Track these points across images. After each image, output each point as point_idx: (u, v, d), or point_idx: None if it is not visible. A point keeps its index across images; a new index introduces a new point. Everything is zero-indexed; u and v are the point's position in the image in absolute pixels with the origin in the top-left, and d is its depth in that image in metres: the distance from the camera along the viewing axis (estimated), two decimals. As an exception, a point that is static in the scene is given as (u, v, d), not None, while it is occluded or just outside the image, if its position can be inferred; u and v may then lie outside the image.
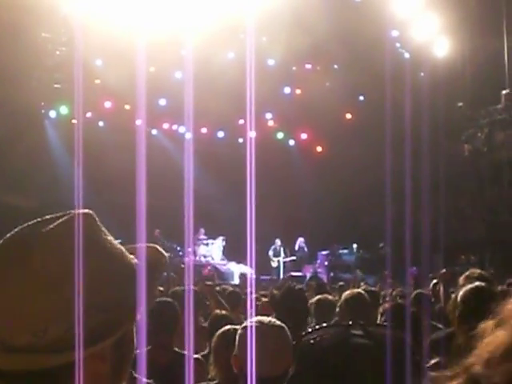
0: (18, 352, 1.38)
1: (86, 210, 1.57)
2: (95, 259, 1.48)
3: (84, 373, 1.41)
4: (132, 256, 1.58)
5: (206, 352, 5.90)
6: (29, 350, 1.38)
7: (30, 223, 1.51)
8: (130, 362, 1.55)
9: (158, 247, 1.69)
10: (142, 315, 1.50)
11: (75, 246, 1.45)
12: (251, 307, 5.42)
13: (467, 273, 5.95)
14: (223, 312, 6.58)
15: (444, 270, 9.18)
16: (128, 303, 1.48)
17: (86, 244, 1.48)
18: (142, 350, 1.60)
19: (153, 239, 21.08)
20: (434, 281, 9.61)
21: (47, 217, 1.53)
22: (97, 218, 1.57)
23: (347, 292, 6.96)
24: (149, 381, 3.54)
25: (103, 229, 1.57)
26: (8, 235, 1.49)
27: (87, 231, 1.51)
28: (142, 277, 1.51)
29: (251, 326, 3.31)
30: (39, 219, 1.52)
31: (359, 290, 7.56)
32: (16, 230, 1.50)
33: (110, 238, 1.57)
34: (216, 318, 6.28)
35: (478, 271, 5.98)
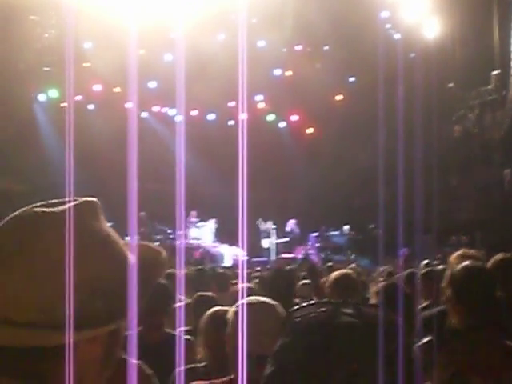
0: (22, 328, 1.39)
1: (92, 198, 1.58)
2: (100, 246, 1.50)
3: (80, 355, 1.42)
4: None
5: (189, 328, 5.92)
6: (33, 326, 1.39)
7: (38, 204, 1.52)
8: (120, 347, 1.56)
9: (152, 245, 1.69)
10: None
11: (83, 231, 1.47)
12: (243, 288, 5.42)
13: (459, 252, 5.95)
14: (208, 293, 6.59)
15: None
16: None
17: (92, 230, 1.51)
18: (133, 331, 1.60)
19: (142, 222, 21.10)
20: (426, 261, 9.64)
21: (54, 201, 1.54)
22: (100, 207, 1.58)
23: (336, 272, 6.98)
24: (138, 361, 3.55)
25: (104, 220, 1.58)
26: (15, 214, 1.49)
27: (93, 218, 1.54)
28: (136, 274, 1.51)
29: (245, 305, 3.32)
30: (45, 202, 1.52)
31: (347, 270, 7.58)
32: (23, 210, 1.50)
33: (111, 230, 1.58)
34: (200, 298, 6.29)
35: (472, 251, 5.99)
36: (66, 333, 1.38)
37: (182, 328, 5.46)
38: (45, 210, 1.50)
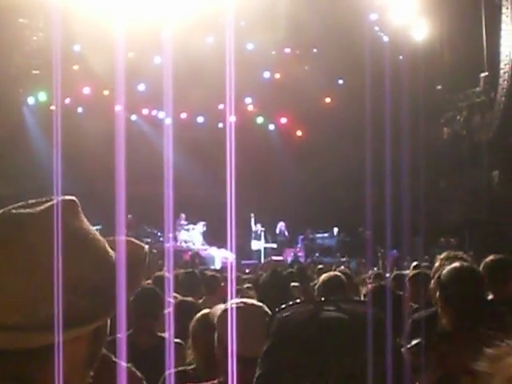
0: (6, 330, 1.38)
1: (71, 197, 1.57)
2: (81, 244, 1.49)
3: (65, 355, 1.41)
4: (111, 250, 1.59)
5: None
6: (17, 329, 1.38)
7: (16, 205, 1.51)
8: (103, 346, 1.56)
9: (135, 240, 1.68)
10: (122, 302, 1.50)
11: (63, 229, 1.45)
12: (232, 291, 5.42)
13: (445, 253, 5.93)
14: (188, 298, 6.59)
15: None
16: (114, 292, 1.48)
17: (72, 229, 1.50)
18: (122, 334, 1.59)
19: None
20: (414, 263, 9.65)
21: (32, 201, 1.52)
22: (79, 206, 1.57)
23: (325, 274, 6.99)
24: (128, 364, 3.55)
25: (84, 218, 1.57)
26: None
27: (72, 217, 1.53)
28: (121, 270, 1.51)
29: (233, 307, 3.32)
30: (23, 203, 1.52)
31: (336, 272, 7.60)
32: (2, 211, 1.49)
33: (91, 228, 1.57)
34: (181, 303, 6.29)
35: (458, 252, 5.99)
36: (50, 333, 1.37)
37: (172, 332, 5.46)
38: (23, 210, 1.49)
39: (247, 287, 9.10)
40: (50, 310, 1.39)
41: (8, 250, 1.43)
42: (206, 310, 4.64)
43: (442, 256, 5.76)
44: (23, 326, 1.38)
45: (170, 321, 5.30)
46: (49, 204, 1.50)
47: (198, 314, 4.66)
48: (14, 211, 1.49)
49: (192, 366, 4.43)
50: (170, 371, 4.15)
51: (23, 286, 1.40)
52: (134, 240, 1.68)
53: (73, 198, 1.57)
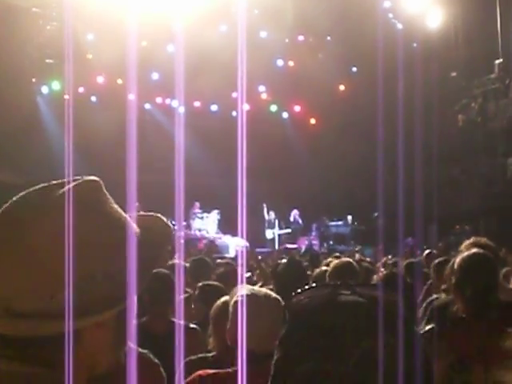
0: (24, 318, 1.39)
1: (94, 178, 1.57)
2: (101, 227, 1.49)
3: (88, 341, 1.43)
4: (135, 227, 1.59)
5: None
6: (35, 316, 1.39)
7: (37, 188, 1.51)
8: (129, 331, 1.56)
9: (162, 217, 1.68)
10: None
11: (83, 212, 1.46)
12: (242, 280, 5.43)
13: (470, 240, 5.83)
14: (213, 282, 6.58)
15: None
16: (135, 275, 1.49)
17: (93, 211, 1.50)
18: (136, 321, 1.60)
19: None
20: (427, 251, 9.62)
21: (53, 182, 1.53)
22: (103, 186, 1.58)
23: (336, 261, 6.98)
24: (144, 351, 3.57)
25: (109, 197, 1.57)
26: (15, 199, 1.49)
27: (95, 198, 1.53)
28: (139, 249, 1.50)
29: (244, 298, 3.31)
30: (45, 184, 1.52)
31: (348, 259, 7.59)
32: (23, 194, 1.50)
33: (116, 206, 1.57)
34: (206, 287, 6.28)
35: (483, 239, 5.89)
36: (69, 321, 1.38)
37: (182, 318, 5.48)
38: (45, 191, 1.49)
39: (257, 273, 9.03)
40: (66, 297, 1.40)
41: (26, 236, 1.43)
42: (227, 297, 4.65)
43: (467, 243, 5.70)
44: (40, 314, 1.39)
45: (181, 308, 5.32)
46: (71, 185, 1.50)
47: (219, 301, 4.67)
48: (34, 194, 1.49)
49: (212, 354, 4.43)
50: (190, 358, 4.16)
51: (39, 273, 1.40)
52: (161, 217, 1.68)
53: (96, 178, 1.57)
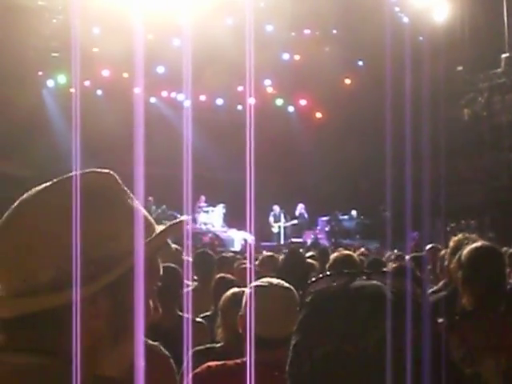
0: (9, 298, 1.42)
1: (107, 171, 1.59)
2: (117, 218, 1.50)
3: (83, 328, 1.40)
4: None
5: (209, 313, 5.95)
6: (19, 295, 1.41)
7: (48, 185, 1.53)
8: (131, 322, 1.50)
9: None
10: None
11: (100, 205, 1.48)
12: (251, 273, 5.44)
13: (459, 236, 5.83)
14: (228, 275, 6.57)
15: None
16: (123, 243, 1.48)
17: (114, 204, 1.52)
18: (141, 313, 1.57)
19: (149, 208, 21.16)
20: (430, 245, 9.60)
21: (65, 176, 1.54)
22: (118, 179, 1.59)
23: (336, 253, 6.99)
24: (154, 343, 3.59)
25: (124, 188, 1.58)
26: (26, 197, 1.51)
27: (114, 191, 1.55)
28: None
29: (258, 286, 3.33)
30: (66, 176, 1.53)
31: (349, 252, 7.60)
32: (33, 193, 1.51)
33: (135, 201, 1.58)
34: (220, 280, 6.28)
35: (472, 235, 5.91)
36: (55, 294, 1.39)
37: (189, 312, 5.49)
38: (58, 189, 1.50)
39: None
40: (49, 273, 1.41)
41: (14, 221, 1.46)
42: (236, 289, 4.66)
43: (456, 238, 5.70)
44: (24, 292, 1.41)
45: (189, 302, 5.32)
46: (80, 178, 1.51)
47: (229, 292, 4.67)
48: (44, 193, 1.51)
49: (220, 344, 4.44)
50: (197, 348, 4.17)
51: (17, 256, 1.42)
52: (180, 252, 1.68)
53: (110, 172, 1.59)
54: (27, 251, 1.42)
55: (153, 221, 1.59)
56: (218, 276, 6.42)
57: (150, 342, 3.54)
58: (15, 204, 1.49)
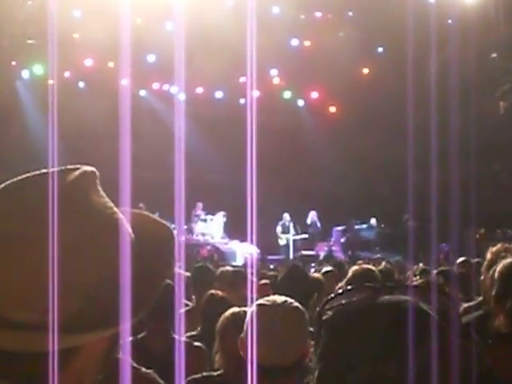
0: (13, 328, 1.37)
1: (89, 168, 1.56)
2: (90, 225, 1.45)
3: (81, 358, 1.42)
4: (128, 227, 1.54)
5: (194, 333, 5.97)
6: (24, 327, 1.37)
7: (35, 173, 1.49)
8: (117, 349, 1.54)
9: (167, 224, 1.64)
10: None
11: (71, 210, 1.43)
12: (252, 289, 5.44)
13: (498, 246, 5.80)
14: (219, 292, 6.57)
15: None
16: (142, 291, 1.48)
17: (82, 208, 1.47)
18: (133, 337, 1.59)
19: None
20: (462, 258, 9.59)
21: (44, 171, 1.50)
22: (97, 177, 1.55)
23: (355, 267, 7.00)
24: (148, 370, 3.59)
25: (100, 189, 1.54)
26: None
27: (93, 193, 1.51)
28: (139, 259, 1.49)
29: (261, 305, 3.31)
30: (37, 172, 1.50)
31: (369, 266, 7.62)
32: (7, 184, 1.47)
33: (107, 200, 1.53)
34: (212, 298, 6.29)
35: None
36: (64, 336, 1.36)
37: (183, 334, 5.51)
38: (38, 182, 1.46)
39: (264, 283, 9.06)
40: (67, 309, 1.38)
41: (18, 237, 1.40)
42: (236, 309, 4.66)
43: (495, 249, 5.68)
44: (31, 325, 1.37)
45: (181, 323, 5.32)
46: (74, 174, 1.50)
47: (228, 312, 4.67)
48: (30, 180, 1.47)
49: (219, 372, 4.44)
50: (193, 377, 4.18)
51: (33, 280, 1.38)
52: (167, 226, 1.63)
53: (91, 168, 1.55)
54: (41, 274, 1.38)
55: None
56: (209, 293, 6.42)
57: (144, 369, 3.55)
58: None
